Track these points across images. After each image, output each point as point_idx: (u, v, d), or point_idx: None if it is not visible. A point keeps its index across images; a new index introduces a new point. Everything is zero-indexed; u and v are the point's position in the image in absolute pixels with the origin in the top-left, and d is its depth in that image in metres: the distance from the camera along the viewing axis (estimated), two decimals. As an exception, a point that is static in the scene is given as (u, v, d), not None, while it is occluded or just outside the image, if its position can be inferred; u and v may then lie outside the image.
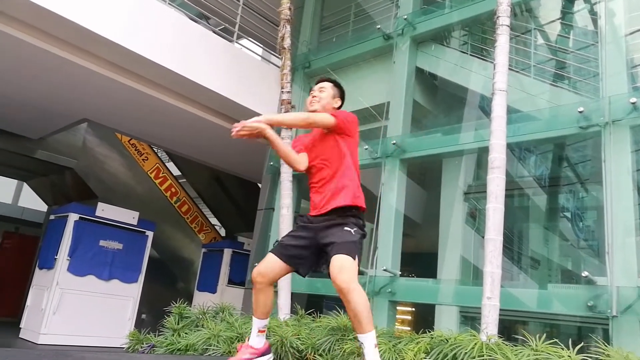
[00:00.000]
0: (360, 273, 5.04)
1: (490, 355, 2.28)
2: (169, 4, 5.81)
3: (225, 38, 6.24)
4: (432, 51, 5.50)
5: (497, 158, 3.58)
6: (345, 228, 2.52)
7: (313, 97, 2.89)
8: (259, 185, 11.81)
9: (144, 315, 9.70)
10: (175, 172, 11.44)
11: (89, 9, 4.95)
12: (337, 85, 2.97)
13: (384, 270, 4.64)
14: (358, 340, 2.44)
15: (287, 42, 4.94)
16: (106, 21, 5.08)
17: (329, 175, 2.66)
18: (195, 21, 6.13)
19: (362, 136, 5.79)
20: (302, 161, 2.78)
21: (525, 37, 5.14)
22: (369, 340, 2.36)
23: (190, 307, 8.73)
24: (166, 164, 11.17)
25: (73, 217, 7.18)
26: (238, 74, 6.11)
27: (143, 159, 10.29)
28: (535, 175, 6.01)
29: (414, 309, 7.86)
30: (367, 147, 5.16)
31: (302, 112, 2.72)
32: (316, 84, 2.98)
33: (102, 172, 9.61)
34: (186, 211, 10.83)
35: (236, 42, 6.51)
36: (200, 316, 4.47)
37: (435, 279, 5.08)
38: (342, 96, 2.96)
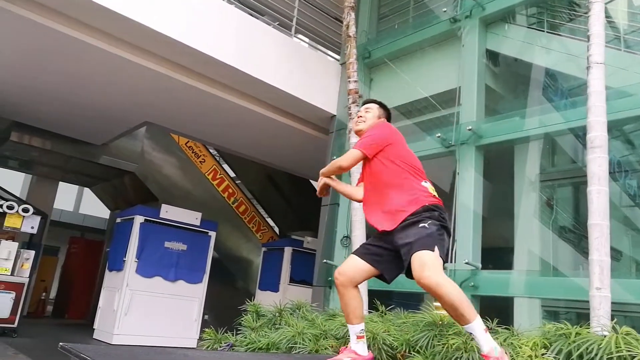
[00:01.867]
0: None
1: (630, 350, 2.03)
2: (228, 1, 5.77)
3: (284, 32, 6.15)
4: (503, 31, 5.20)
5: (598, 137, 3.28)
6: (420, 225, 2.43)
7: (359, 117, 2.99)
8: (311, 181, 11.78)
9: (206, 316, 9.79)
10: (231, 173, 11.52)
11: (152, 9, 4.96)
12: (382, 106, 3.04)
13: (466, 263, 4.40)
14: (466, 332, 2.29)
15: (352, 30, 4.77)
16: (168, 20, 5.07)
17: (381, 193, 2.66)
18: (255, 16, 6.07)
19: (431, 125, 5.60)
20: (358, 191, 2.85)
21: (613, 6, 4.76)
22: (477, 328, 2.25)
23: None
24: (222, 165, 11.27)
25: (139, 220, 7.29)
26: (298, 69, 6.00)
27: (200, 161, 10.39)
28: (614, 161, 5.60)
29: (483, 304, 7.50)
30: (439, 134, 4.92)
31: (335, 160, 2.79)
32: (362, 105, 3.08)
33: (161, 175, 9.76)
34: (244, 211, 10.86)
35: (295, 36, 6.41)
36: (277, 314, 4.37)
37: (518, 271, 4.78)
38: (388, 117, 3.02)
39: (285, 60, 5.94)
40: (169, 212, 7.58)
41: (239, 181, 11.94)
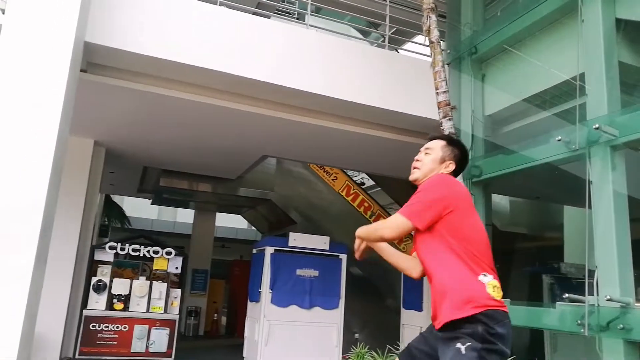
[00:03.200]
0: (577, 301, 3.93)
1: None
2: (309, 26, 5.57)
3: (374, 44, 5.73)
4: (639, -9, 4.05)
5: None
6: (456, 345, 1.81)
7: (416, 160, 2.31)
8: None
9: (357, 334, 9.68)
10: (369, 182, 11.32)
11: (242, 61, 5.02)
12: (452, 142, 2.30)
13: (608, 300, 3.47)
14: None
15: (435, 35, 4.15)
16: (259, 67, 5.07)
17: (430, 277, 2.03)
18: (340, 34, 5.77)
19: (552, 123, 4.63)
20: (416, 264, 2.25)
21: None
22: None
23: (399, 324, 8.33)
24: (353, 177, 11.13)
25: (269, 250, 7.47)
26: (394, 80, 5.51)
27: (332, 179, 10.38)
28: None
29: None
30: (559, 138, 4.01)
31: (380, 221, 2.24)
32: (428, 141, 2.37)
33: (296, 198, 9.98)
34: (382, 225, 10.54)
35: (388, 46, 5.92)
36: None
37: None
38: (458, 158, 2.27)
39: (378, 75, 5.51)
40: (297, 240, 7.63)
41: (377, 189, 11.69)
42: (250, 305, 7.95)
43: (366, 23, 7.61)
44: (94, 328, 6.75)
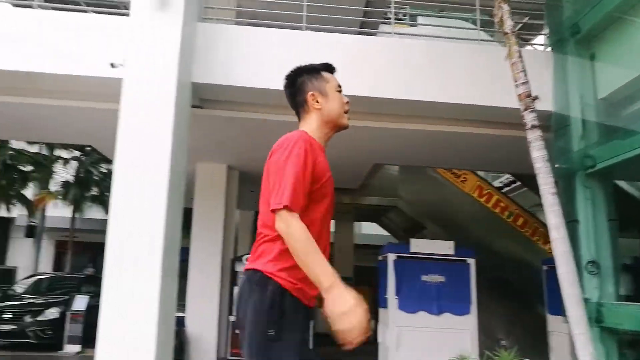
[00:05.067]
0: None
1: None
2: (400, 36, 5.60)
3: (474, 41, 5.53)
4: None
5: None
6: None
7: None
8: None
9: (503, 341, 9.14)
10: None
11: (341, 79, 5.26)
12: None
13: None
14: None
15: (509, 25, 3.89)
16: (359, 83, 5.18)
17: None
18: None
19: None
20: None
21: None
22: None
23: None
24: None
25: (391, 257, 7.53)
26: (496, 74, 5.22)
27: (461, 181, 10.01)
28: None
29: None
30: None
31: None
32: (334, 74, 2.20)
33: (424, 203, 9.86)
34: (523, 224, 9.82)
35: (488, 39, 5.65)
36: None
37: None
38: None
39: (479, 72, 5.31)
40: (419, 246, 7.57)
41: (525, 188, 10.93)
42: (380, 311, 8.07)
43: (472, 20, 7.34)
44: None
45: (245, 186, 9.54)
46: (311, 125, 2.05)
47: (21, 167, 18.01)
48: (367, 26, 6.47)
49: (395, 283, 7.40)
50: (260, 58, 5.31)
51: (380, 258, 8.34)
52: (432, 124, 6.00)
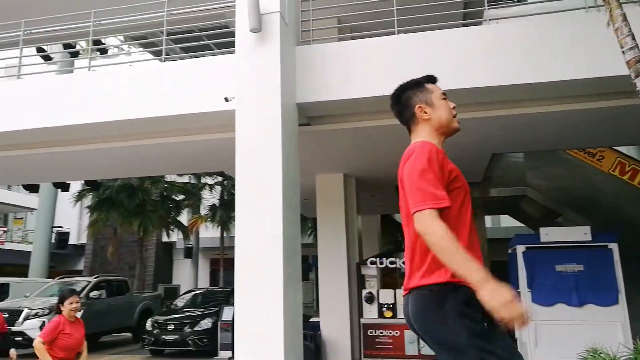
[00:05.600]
0: None
1: None
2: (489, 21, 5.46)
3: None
4: None
5: None
6: None
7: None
8: None
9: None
10: None
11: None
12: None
13: None
14: None
15: (606, -13, 3.64)
16: (459, 75, 5.23)
17: None
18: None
19: None
20: None
21: None
22: None
23: None
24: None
25: (520, 249, 7.21)
26: (596, 42, 4.88)
27: (597, 159, 9.18)
28: None
29: None
30: None
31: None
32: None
33: (556, 188, 9.22)
34: (678, 200, 8.69)
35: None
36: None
37: None
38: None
39: (577, 44, 4.99)
40: (549, 235, 7.13)
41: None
42: (515, 306, 7.73)
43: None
44: (372, 334, 7.78)
45: (364, 192, 9.84)
46: (423, 135, 2.17)
47: (174, 197, 20.44)
48: (459, 18, 6.36)
49: (527, 276, 7.07)
50: (355, 69, 5.57)
51: (509, 251, 8.02)
52: (544, 105, 5.72)
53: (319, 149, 7.16)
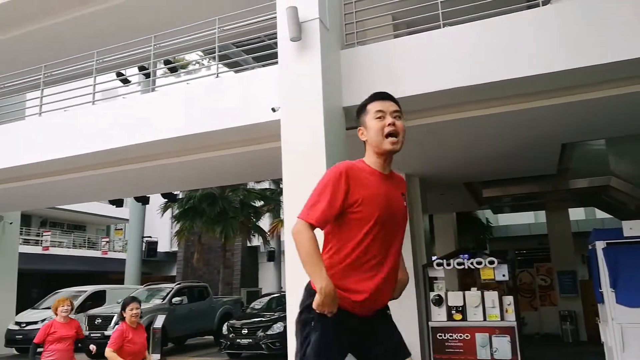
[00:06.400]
0: None
1: None
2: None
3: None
4: None
5: None
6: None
7: (394, 125, 2.28)
8: None
9: None
10: None
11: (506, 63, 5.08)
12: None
13: None
14: None
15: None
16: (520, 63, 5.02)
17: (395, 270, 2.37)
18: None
19: None
20: None
21: None
22: None
23: None
24: None
25: (599, 245, 6.64)
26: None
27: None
28: None
29: None
30: None
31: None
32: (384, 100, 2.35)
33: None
34: None
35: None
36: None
37: None
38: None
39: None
40: (634, 229, 6.49)
41: None
42: (599, 307, 7.14)
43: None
44: (441, 337, 7.53)
45: (432, 191, 9.57)
46: (366, 155, 2.31)
47: (252, 203, 21.13)
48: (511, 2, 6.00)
49: (609, 274, 6.50)
50: (403, 67, 5.45)
51: (589, 247, 7.41)
52: (614, 88, 5.26)
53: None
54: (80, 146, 7.06)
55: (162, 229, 26.24)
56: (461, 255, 8.29)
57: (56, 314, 5.42)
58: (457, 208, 12.73)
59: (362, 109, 2.33)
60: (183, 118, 6.35)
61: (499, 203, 11.33)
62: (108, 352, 4.33)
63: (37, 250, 22.95)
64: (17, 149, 7.70)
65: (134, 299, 4.65)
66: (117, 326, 4.52)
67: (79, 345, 5.64)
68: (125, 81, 11.00)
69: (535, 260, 13.40)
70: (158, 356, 10.09)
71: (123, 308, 4.56)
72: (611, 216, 14.70)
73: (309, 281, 2.13)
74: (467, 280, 10.48)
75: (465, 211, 14.16)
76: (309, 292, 2.13)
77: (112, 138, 6.84)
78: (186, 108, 6.38)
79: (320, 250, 2.08)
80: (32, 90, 9.05)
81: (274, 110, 5.60)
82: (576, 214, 16.58)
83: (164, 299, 11.54)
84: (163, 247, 26.57)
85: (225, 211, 18.85)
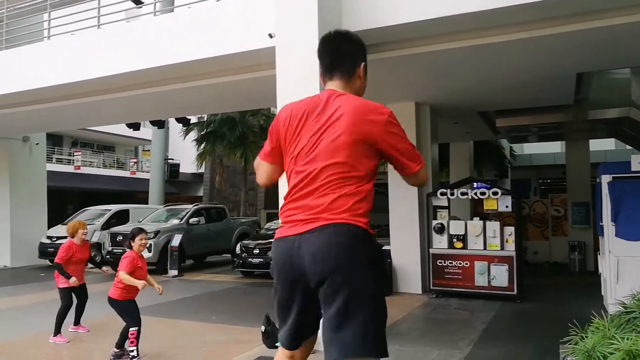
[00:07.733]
0: None
1: None
2: None
3: None
4: None
5: None
6: None
7: None
8: None
9: None
10: None
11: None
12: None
13: None
14: None
15: None
16: None
17: None
18: None
19: None
20: None
21: None
22: None
23: None
24: None
25: (605, 179, 6.54)
26: None
27: None
28: None
29: None
30: None
31: None
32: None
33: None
34: None
35: None
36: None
37: None
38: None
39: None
40: (643, 163, 6.34)
41: None
42: (600, 240, 7.16)
43: None
44: (441, 264, 7.75)
45: (445, 120, 9.43)
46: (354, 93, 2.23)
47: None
48: None
49: (612, 208, 6.45)
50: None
51: (597, 180, 7.30)
52: (627, 15, 4.96)
53: (384, 77, 6.91)
54: (102, 68, 7.19)
55: (188, 151, 26.74)
56: (475, 184, 8.30)
57: (73, 237, 5.66)
58: (474, 137, 12.54)
59: (365, 55, 2.20)
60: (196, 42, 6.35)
61: (516, 133, 11.09)
62: (122, 274, 4.60)
63: (70, 169, 23.90)
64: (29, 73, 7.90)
65: (141, 230, 4.88)
66: (126, 252, 4.78)
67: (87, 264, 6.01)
68: (138, 2, 10.85)
69: (559, 190, 13.31)
70: (175, 272, 10.72)
71: (132, 238, 4.80)
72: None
73: (363, 231, 1.94)
74: (479, 209, 10.54)
75: (484, 140, 13.95)
76: (369, 237, 1.99)
77: (132, 60, 6.91)
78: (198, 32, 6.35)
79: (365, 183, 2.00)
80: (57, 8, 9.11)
81: (270, 36, 5.51)
82: (606, 144, 16.14)
83: (181, 219, 12.04)
84: (190, 168, 27.20)
85: (246, 135, 19.01)
